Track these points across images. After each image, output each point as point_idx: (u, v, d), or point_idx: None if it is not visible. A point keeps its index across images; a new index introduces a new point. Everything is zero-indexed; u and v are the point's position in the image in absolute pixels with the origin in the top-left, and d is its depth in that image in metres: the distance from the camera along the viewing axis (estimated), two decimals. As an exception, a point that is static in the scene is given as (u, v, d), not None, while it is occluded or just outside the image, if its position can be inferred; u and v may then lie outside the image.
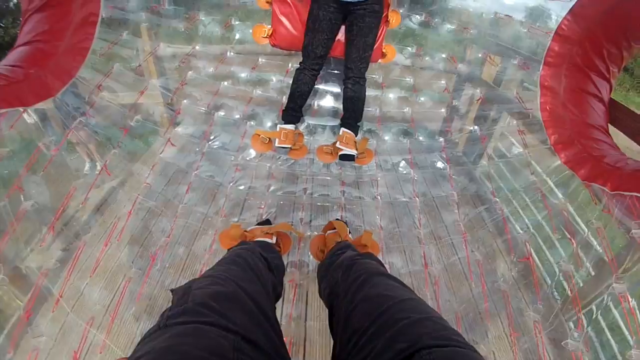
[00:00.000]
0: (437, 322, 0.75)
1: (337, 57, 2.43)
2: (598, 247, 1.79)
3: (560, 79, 2.09)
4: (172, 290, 0.88)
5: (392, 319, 0.76)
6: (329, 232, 1.91)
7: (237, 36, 2.78)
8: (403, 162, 2.75)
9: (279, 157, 2.63)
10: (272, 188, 2.53)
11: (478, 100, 2.89)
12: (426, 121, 3.02)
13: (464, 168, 2.91)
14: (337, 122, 2.67)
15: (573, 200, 2.00)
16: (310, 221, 2.45)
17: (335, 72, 2.69)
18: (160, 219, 2.27)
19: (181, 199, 2.31)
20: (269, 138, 2.30)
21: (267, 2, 2.34)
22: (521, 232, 2.16)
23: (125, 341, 1.80)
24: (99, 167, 2.13)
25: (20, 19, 1.90)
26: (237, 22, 2.68)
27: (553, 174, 2.08)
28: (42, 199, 1.75)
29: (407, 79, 2.96)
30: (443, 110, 3.05)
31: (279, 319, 1.49)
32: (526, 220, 2.39)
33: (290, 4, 2.32)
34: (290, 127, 2.33)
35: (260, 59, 2.90)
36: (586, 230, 1.83)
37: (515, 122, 2.42)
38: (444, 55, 2.92)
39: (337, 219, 2.01)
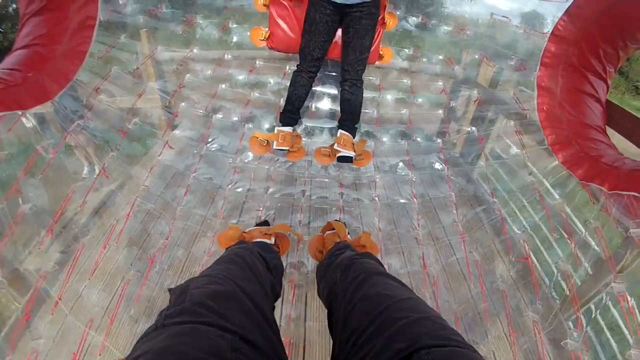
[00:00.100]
0: (435, 321, 0.75)
1: (334, 59, 2.44)
2: (596, 247, 1.79)
3: (557, 80, 2.09)
4: (169, 290, 0.87)
5: (390, 319, 0.76)
6: (327, 232, 1.91)
7: (235, 39, 2.79)
8: (401, 163, 2.75)
9: (277, 160, 2.63)
10: (270, 190, 2.53)
11: (475, 101, 2.90)
12: (424, 122, 3.02)
13: (462, 169, 2.91)
14: (334, 124, 2.68)
15: (570, 200, 2.00)
16: (309, 223, 2.45)
17: (333, 74, 2.69)
18: (159, 222, 2.27)
19: (179, 202, 2.31)
20: (267, 140, 2.30)
21: (265, 5, 2.34)
22: (519, 232, 2.17)
23: (124, 343, 1.80)
24: (97, 170, 2.13)
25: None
26: (234, 25, 2.68)
27: (550, 175, 2.08)
28: (41, 202, 1.75)
29: (405, 81, 2.96)
30: (440, 111, 3.05)
31: (278, 320, 1.49)
32: (524, 223, 2.39)
33: (288, 6, 2.32)
34: (288, 129, 2.33)
35: (257, 62, 2.91)
36: (584, 230, 1.84)
37: (512, 122, 2.43)
38: (441, 57, 2.92)
39: (336, 220, 2.01)
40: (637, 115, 1.97)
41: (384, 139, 2.87)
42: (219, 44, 2.87)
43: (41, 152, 1.77)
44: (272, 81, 2.93)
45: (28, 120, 1.74)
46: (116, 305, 1.83)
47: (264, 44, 2.44)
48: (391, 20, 2.40)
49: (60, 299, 1.70)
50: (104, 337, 1.72)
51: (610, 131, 2.01)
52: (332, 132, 2.75)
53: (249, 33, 2.47)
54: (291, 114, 2.33)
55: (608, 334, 1.95)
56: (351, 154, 2.27)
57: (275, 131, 2.31)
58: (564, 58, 2.06)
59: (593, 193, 1.79)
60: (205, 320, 0.69)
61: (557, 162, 2.01)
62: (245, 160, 2.62)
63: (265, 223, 2.12)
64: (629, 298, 1.54)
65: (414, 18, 2.60)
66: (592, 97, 2.00)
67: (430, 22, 2.65)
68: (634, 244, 1.57)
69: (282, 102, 2.51)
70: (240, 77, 2.91)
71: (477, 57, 2.88)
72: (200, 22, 2.64)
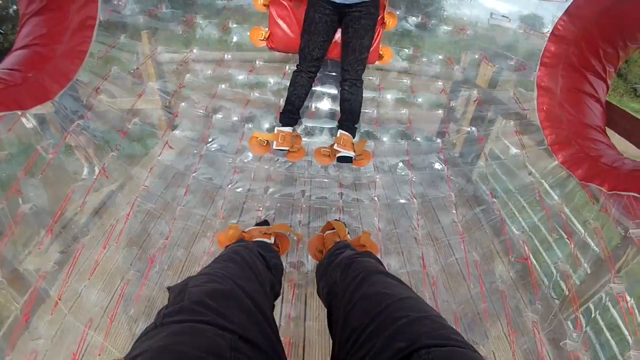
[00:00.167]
0: (435, 320, 0.75)
1: (334, 59, 2.43)
2: (595, 248, 1.79)
3: (556, 79, 2.09)
4: (168, 288, 0.86)
5: (390, 318, 0.76)
6: (327, 232, 1.90)
7: (235, 39, 2.79)
8: (401, 163, 2.75)
9: (277, 160, 2.63)
10: (270, 190, 2.53)
11: (475, 101, 2.90)
12: (423, 122, 3.02)
13: (462, 169, 2.91)
14: (334, 124, 2.67)
15: (570, 201, 2.00)
16: (309, 223, 2.45)
17: (333, 74, 2.69)
18: (159, 222, 2.27)
19: (179, 202, 2.31)
20: (267, 140, 2.30)
21: (264, 5, 2.35)
22: (519, 232, 2.17)
23: (124, 343, 1.80)
24: (97, 171, 2.13)
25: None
26: (234, 25, 2.68)
27: (550, 175, 2.08)
28: (40, 202, 1.75)
29: (405, 81, 2.96)
30: (440, 111, 3.05)
31: (277, 320, 1.49)
32: (523, 223, 2.39)
33: (287, 6, 2.32)
34: (288, 129, 2.33)
35: (257, 62, 2.91)
36: (583, 231, 1.84)
37: (512, 122, 2.43)
38: (440, 57, 2.92)
39: (335, 220, 2.01)
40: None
41: (384, 139, 2.86)
42: (219, 44, 2.87)
43: (41, 152, 1.77)
44: (272, 81, 2.93)
45: (28, 121, 1.75)
46: (116, 305, 1.83)
47: (263, 43, 2.44)
48: (391, 20, 2.40)
49: (59, 299, 1.70)
50: (103, 337, 1.72)
51: (610, 132, 2.01)
52: (332, 132, 2.75)
53: (248, 33, 2.47)
54: (291, 114, 2.33)
55: (608, 334, 1.95)
56: (351, 154, 2.27)
57: (275, 131, 2.31)
58: (564, 58, 2.06)
59: (593, 193, 1.79)
60: (204, 319, 0.69)
61: (556, 162, 2.01)
62: (245, 161, 2.62)
63: (265, 223, 2.11)
64: (628, 298, 1.54)
65: (413, 18, 2.59)
66: (592, 97, 2.00)
67: (430, 22, 2.64)
68: (633, 244, 1.57)
69: (282, 102, 2.51)
70: (240, 77, 2.91)
71: (477, 57, 2.88)
72: (200, 22, 2.64)
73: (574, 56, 2.02)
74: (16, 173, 1.66)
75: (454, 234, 2.35)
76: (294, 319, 1.98)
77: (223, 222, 2.27)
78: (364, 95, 2.33)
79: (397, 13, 2.46)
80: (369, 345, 0.72)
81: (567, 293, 1.94)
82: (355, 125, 2.38)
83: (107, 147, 2.18)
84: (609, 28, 1.88)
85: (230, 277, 0.90)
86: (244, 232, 1.77)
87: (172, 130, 2.75)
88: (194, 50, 2.79)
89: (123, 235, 2.10)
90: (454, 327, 0.75)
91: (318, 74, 2.37)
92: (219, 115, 2.75)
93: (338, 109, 2.47)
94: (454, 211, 2.45)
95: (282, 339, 0.85)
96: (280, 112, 2.37)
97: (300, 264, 2.13)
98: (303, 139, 2.57)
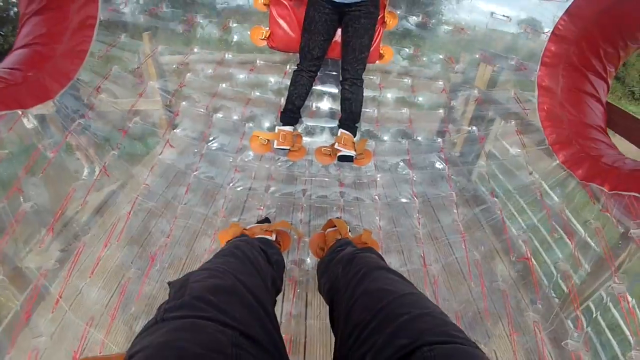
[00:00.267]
0: (437, 317, 0.74)
1: (334, 58, 2.44)
2: (596, 248, 1.79)
3: (557, 79, 2.09)
4: (169, 283, 0.86)
5: (392, 314, 0.75)
6: (328, 230, 1.90)
7: (235, 38, 2.79)
8: (401, 162, 2.75)
9: (278, 159, 2.64)
10: (271, 189, 2.53)
11: (475, 100, 2.90)
12: (424, 122, 3.02)
13: (462, 168, 2.91)
14: (335, 123, 2.68)
15: (570, 201, 2.00)
16: (310, 222, 2.45)
17: (333, 73, 2.69)
18: (160, 220, 2.27)
19: (180, 200, 2.31)
20: (268, 139, 2.30)
21: (265, 5, 2.35)
22: (519, 232, 2.17)
23: (124, 341, 1.80)
24: (97, 170, 2.13)
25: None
26: (235, 25, 2.69)
27: (550, 175, 2.08)
28: (42, 201, 1.75)
29: (405, 80, 2.96)
30: (441, 110, 3.05)
31: (278, 317, 1.48)
32: (522, 224, 2.39)
33: (287, 6, 2.32)
34: (289, 128, 2.33)
35: (258, 61, 2.91)
36: (583, 231, 1.84)
37: (512, 122, 2.43)
38: (441, 56, 2.92)
39: (337, 218, 2.00)
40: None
41: (385, 138, 2.87)
42: (220, 44, 2.87)
43: (42, 151, 1.77)
44: (272, 80, 2.93)
45: (29, 120, 1.75)
46: (116, 303, 1.83)
47: (264, 43, 2.44)
48: (391, 20, 2.40)
49: (60, 297, 1.70)
50: (104, 334, 1.72)
51: (610, 132, 2.01)
52: (333, 131, 2.75)
53: (249, 32, 2.47)
54: (292, 113, 2.33)
55: (609, 334, 1.95)
56: (352, 153, 2.27)
57: (276, 130, 2.31)
58: (565, 57, 2.06)
59: (593, 193, 1.79)
60: (205, 314, 0.69)
61: (557, 162, 2.01)
62: (246, 159, 2.62)
63: (266, 220, 2.11)
64: (629, 298, 1.54)
65: (414, 17, 2.60)
66: (593, 96, 2.00)
67: (431, 21, 2.64)
68: (633, 243, 1.57)
69: (283, 101, 2.51)
70: (241, 76, 2.91)
71: (477, 56, 2.88)
72: (201, 21, 2.65)
73: (574, 56, 2.02)
74: (17, 172, 1.67)
75: (455, 233, 2.35)
76: (294, 316, 1.98)
77: (224, 221, 2.27)
78: (364, 94, 2.33)
79: (398, 12, 2.47)
80: (371, 342, 0.72)
81: (568, 292, 1.94)
82: (356, 125, 2.38)
83: (108, 146, 2.18)
84: (610, 28, 1.88)
85: (232, 272, 0.89)
86: (245, 229, 1.77)
87: (173, 129, 2.75)
88: (195, 50, 2.79)
89: (124, 233, 2.10)
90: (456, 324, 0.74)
91: (318, 73, 2.37)
92: (220, 115, 2.76)
93: (339, 108, 2.47)
94: (454, 210, 2.45)
95: (282, 336, 0.84)
96: (281, 112, 2.37)
97: (301, 261, 2.13)
98: (304, 138, 2.57)
